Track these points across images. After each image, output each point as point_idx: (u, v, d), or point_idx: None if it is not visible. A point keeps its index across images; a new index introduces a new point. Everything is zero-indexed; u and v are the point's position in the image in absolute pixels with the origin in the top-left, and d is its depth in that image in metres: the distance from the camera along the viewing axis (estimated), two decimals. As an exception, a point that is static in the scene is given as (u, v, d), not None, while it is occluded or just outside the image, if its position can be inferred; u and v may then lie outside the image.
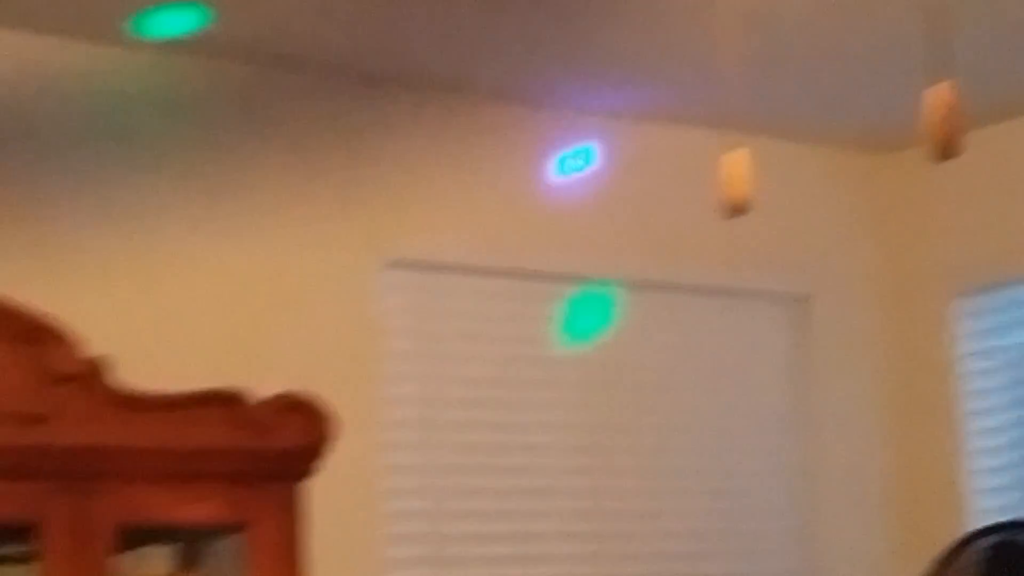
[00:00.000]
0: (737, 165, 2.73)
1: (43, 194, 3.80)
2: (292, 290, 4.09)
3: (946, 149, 2.30)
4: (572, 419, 4.51)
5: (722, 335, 4.79)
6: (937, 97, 2.32)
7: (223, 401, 3.44)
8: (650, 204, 4.64)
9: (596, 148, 4.48)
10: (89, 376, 3.32)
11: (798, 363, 4.90)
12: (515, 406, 4.43)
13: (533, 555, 4.40)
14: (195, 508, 3.44)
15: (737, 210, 2.72)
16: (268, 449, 3.46)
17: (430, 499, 4.26)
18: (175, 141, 3.96)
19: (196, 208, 3.98)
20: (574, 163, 4.45)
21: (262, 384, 3.51)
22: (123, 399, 3.34)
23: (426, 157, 4.31)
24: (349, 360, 4.13)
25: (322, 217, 4.16)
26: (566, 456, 4.48)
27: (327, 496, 3.60)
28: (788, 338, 4.91)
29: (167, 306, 3.91)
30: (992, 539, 4.09)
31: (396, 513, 4.18)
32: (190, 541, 3.66)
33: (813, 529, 4.83)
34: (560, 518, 4.45)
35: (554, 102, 4.41)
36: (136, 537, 3.44)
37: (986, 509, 4.66)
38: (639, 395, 4.63)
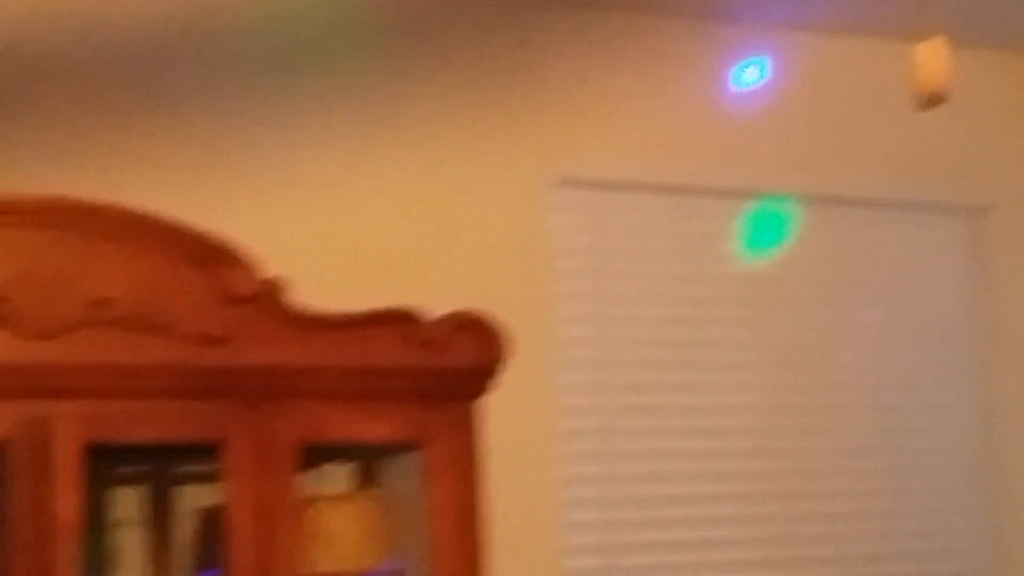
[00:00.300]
0: (934, 53, 2.60)
1: (218, 119, 3.84)
2: (463, 209, 4.10)
3: None
4: (746, 336, 4.46)
5: (899, 249, 4.69)
6: None
7: (398, 320, 3.44)
8: (825, 117, 4.55)
9: (770, 61, 4.40)
10: (266, 297, 3.34)
11: (976, 277, 4.78)
12: (689, 323, 4.39)
13: (714, 452, 4.38)
14: (373, 426, 3.45)
15: (934, 100, 2.59)
16: (443, 367, 3.47)
17: (604, 417, 4.25)
18: (349, 64, 3.97)
19: (370, 128, 4.00)
20: (748, 77, 4.38)
21: (435, 303, 3.51)
22: (300, 319, 3.36)
23: (597, 73, 4.27)
24: (521, 279, 4.12)
25: (494, 136, 4.15)
26: (740, 372, 4.44)
27: (502, 414, 3.61)
28: (966, 251, 4.79)
29: (341, 226, 3.95)
30: None
31: (570, 431, 4.18)
32: (368, 459, 3.70)
33: (994, 448, 4.73)
34: (739, 433, 4.42)
35: (728, 15, 4.33)
36: (315, 455, 3.48)
37: None
38: (814, 311, 4.56)
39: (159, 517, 3.63)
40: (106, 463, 3.30)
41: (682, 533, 4.31)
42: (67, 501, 3.08)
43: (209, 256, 3.30)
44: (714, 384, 4.41)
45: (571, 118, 4.24)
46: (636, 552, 4.24)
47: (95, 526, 3.39)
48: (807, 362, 4.53)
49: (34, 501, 3.06)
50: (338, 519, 3.50)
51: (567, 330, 4.21)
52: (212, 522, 3.44)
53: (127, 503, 3.60)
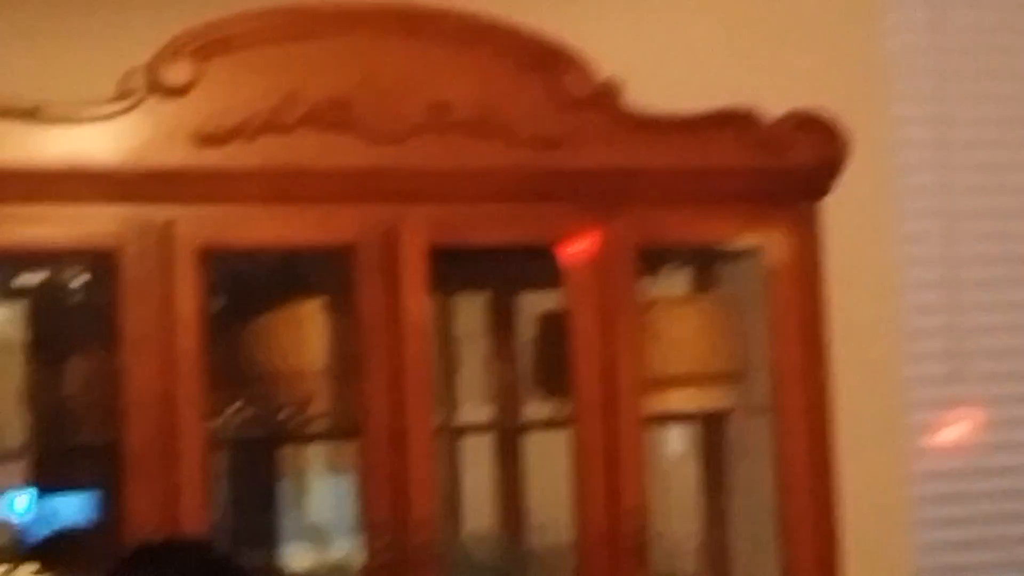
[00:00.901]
0: None
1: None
2: (796, 7, 3.98)
3: None
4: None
5: None
6: None
7: (736, 120, 3.38)
8: None
9: None
10: (602, 99, 3.32)
11: None
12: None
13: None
14: (711, 229, 3.44)
15: None
16: (783, 167, 3.40)
17: (944, 220, 4.11)
18: None
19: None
20: None
21: (770, 103, 3.43)
22: (637, 121, 3.33)
23: None
24: (857, 79, 3.98)
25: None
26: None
27: (841, 217, 3.52)
28: None
29: (674, 26, 3.88)
30: None
31: (910, 236, 4.05)
32: (706, 263, 3.66)
33: None
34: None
35: None
36: (654, 259, 3.46)
37: None
38: None
39: (500, 321, 3.68)
40: (448, 268, 3.33)
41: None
42: (415, 303, 3.14)
43: (545, 59, 3.29)
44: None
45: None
46: (983, 358, 4.10)
47: (439, 330, 3.45)
48: None
49: (384, 303, 3.12)
50: (677, 322, 3.48)
51: (906, 132, 4.07)
52: (553, 326, 3.46)
53: (469, 309, 3.65)
